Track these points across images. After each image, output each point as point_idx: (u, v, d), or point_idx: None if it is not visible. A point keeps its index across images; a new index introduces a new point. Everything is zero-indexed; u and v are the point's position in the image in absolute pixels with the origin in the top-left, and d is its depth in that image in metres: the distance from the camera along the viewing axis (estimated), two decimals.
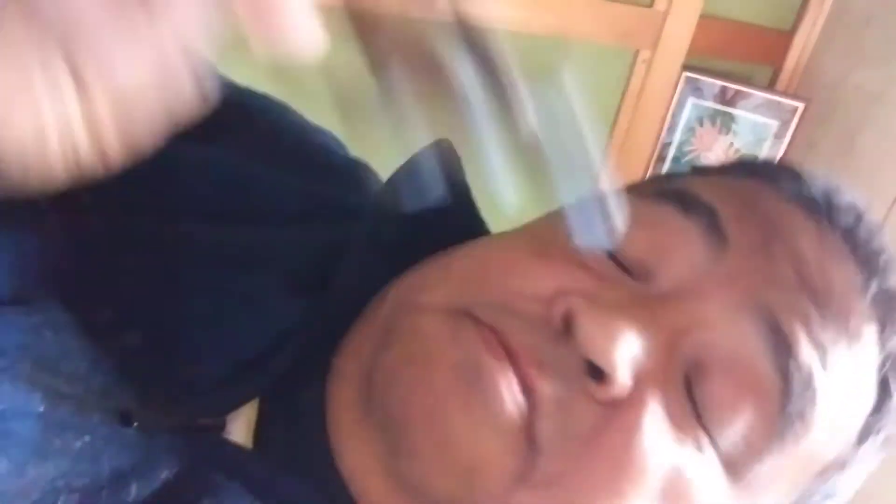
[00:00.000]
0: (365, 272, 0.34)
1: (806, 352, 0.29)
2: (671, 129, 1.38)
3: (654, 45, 1.26)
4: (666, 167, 1.42)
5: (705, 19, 1.26)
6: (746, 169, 0.36)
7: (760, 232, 0.31)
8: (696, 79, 1.32)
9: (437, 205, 0.35)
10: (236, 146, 0.38)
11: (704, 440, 0.29)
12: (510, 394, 0.27)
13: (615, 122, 1.34)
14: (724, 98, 1.34)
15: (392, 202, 0.35)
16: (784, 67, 1.36)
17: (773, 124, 1.35)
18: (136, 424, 0.27)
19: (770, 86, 1.40)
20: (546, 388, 0.28)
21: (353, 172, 0.44)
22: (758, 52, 1.36)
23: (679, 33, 1.26)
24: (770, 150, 1.37)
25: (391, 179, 0.36)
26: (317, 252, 0.35)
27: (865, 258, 0.32)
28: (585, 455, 0.27)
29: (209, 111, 0.39)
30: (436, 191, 0.35)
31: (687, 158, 1.41)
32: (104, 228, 0.30)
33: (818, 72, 1.35)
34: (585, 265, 0.31)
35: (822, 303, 0.30)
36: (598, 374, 0.28)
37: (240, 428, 0.30)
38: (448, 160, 0.35)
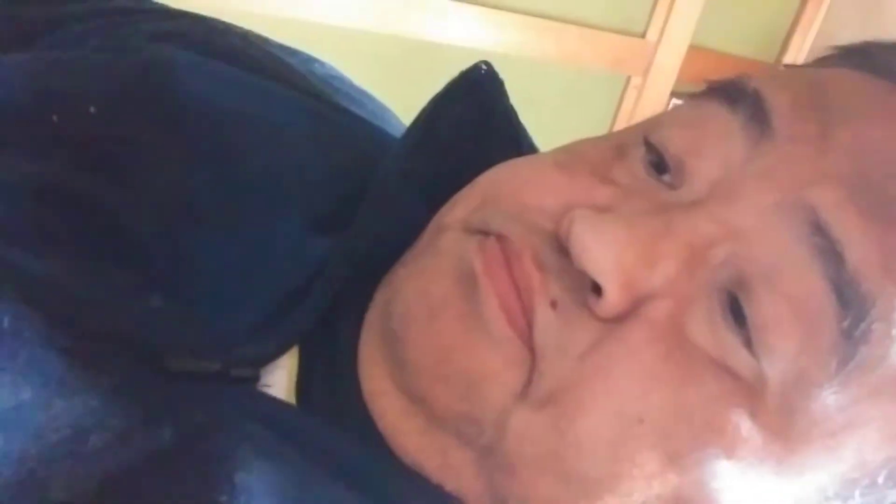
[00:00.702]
0: (397, 204, 0.32)
1: (862, 259, 0.23)
2: None
3: (646, 73, 1.32)
4: None
5: (694, 50, 1.32)
6: (854, 56, 0.30)
7: (818, 120, 0.26)
8: None
9: (480, 134, 0.34)
10: (237, 60, 0.36)
11: (742, 365, 0.24)
12: (504, 298, 0.25)
13: None
14: None
15: (426, 131, 0.33)
16: None
17: None
18: (168, 368, 0.26)
19: None
20: (545, 293, 0.25)
21: (363, 98, 0.42)
22: None
23: (669, 62, 1.32)
24: None
25: (427, 109, 0.33)
26: (338, 180, 0.33)
27: None
28: (580, 372, 0.25)
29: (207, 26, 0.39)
30: (477, 118, 0.33)
31: None
32: (118, 191, 0.29)
33: None
34: (613, 180, 0.28)
35: (883, 201, 0.24)
36: (599, 288, 0.25)
37: (281, 379, 0.29)
38: (487, 83, 0.33)
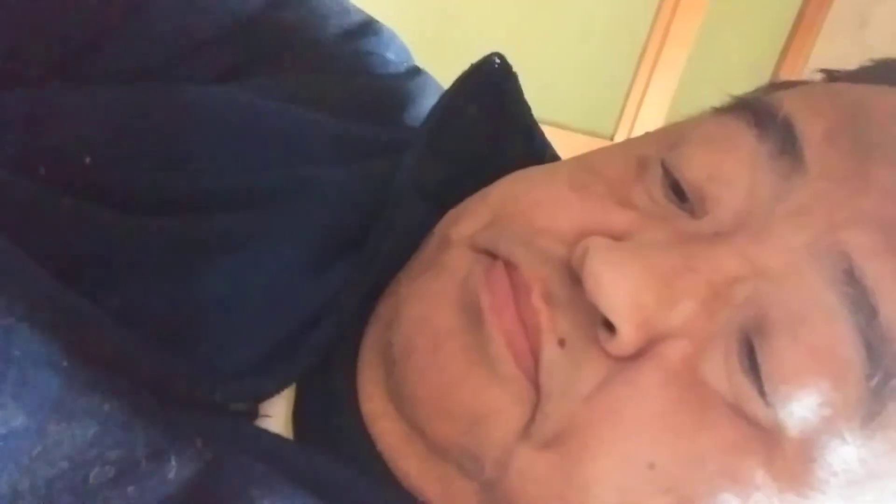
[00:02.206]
0: (408, 221, 0.29)
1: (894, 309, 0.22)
2: None
3: None
4: None
5: None
6: (882, 72, 0.28)
7: (855, 151, 0.24)
8: None
9: (495, 135, 0.32)
10: (263, 86, 0.34)
11: (758, 413, 0.23)
12: (511, 336, 0.24)
13: None
14: None
15: (437, 134, 0.31)
16: None
17: None
18: (169, 396, 0.24)
19: None
20: (554, 329, 0.24)
21: (413, 90, 0.38)
22: None
23: None
24: None
25: (438, 108, 0.31)
26: (353, 198, 0.31)
27: None
28: (588, 414, 0.23)
29: (238, 41, 0.35)
30: (492, 118, 0.31)
31: None
32: (112, 214, 0.27)
33: None
34: (630, 202, 0.26)
35: None
36: (611, 324, 0.23)
37: (280, 409, 0.28)
38: (500, 79, 0.31)
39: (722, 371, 0.23)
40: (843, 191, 0.23)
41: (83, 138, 0.29)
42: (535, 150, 0.33)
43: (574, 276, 0.24)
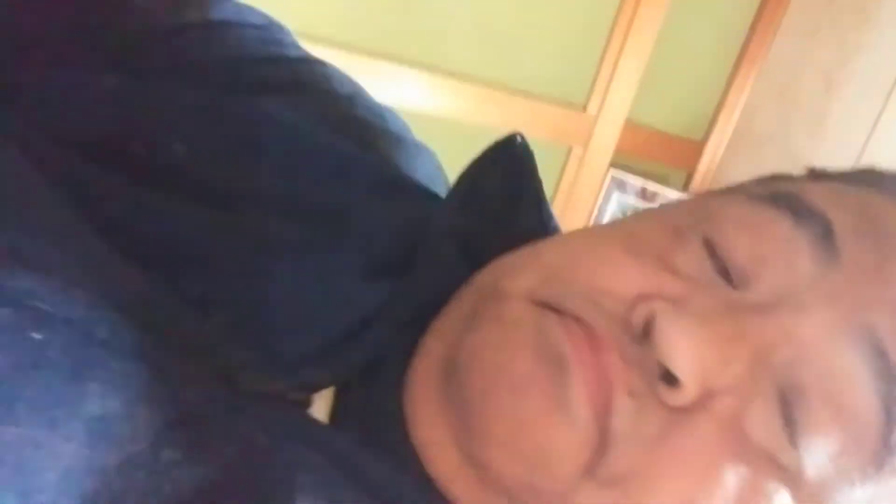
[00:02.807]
0: (445, 259, 0.34)
1: None
2: (598, 220, 1.50)
3: (586, 144, 1.40)
4: None
5: (630, 125, 1.41)
6: (868, 178, 0.34)
7: (877, 250, 0.29)
8: (621, 177, 1.47)
9: (510, 198, 0.36)
10: (307, 110, 0.38)
11: (787, 459, 0.27)
12: (590, 385, 0.27)
13: None
14: (644, 195, 1.48)
15: (468, 192, 0.35)
16: (697, 171, 1.53)
17: None
18: (239, 385, 0.27)
19: (684, 187, 1.55)
20: (625, 382, 0.27)
21: (418, 154, 0.44)
22: (674, 157, 1.52)
23: (607, 135, 1.40)
24: None
25: (470, 171, 0.36)
26: (395, 230, 0.35)
27: None
28: (650, 458, 0.27)
29: (284, 71, 0.42)
30: (510, 183, 0.36)
31: None
32: (187, 215, 0.31)
33: (726, 178, 1.51)
34: (678, 270, 0.29)
35: None
36: (671, 379, 0.27)
37: (319, 405, 0.30)
38: (522, 155, 0.36)
39: (760, 424, 0.27)
40: (870, 279, 0.28)
41: (175, 127, 0.33)
42: (543, 221, 0.38)
43: (634, 334, 0.28)
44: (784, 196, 0.30)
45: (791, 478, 0.27)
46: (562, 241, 0.33)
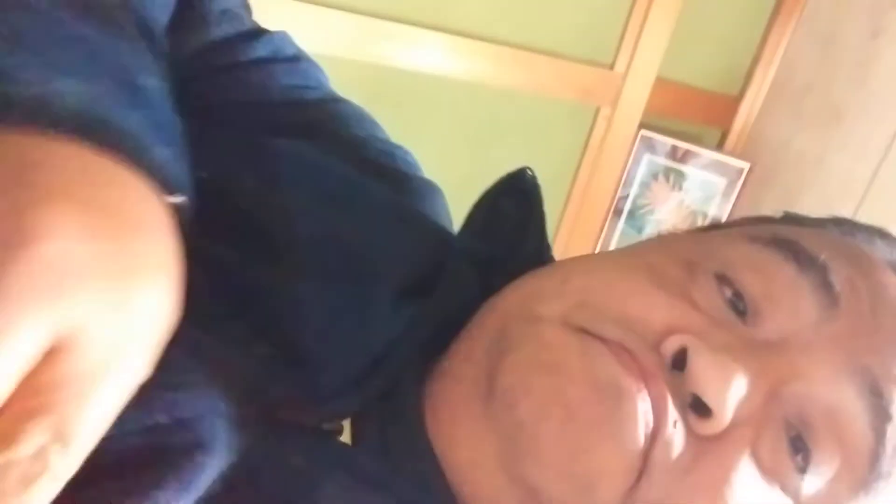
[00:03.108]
0: (467, 281, 0.36)
1: None
2: (627, 184, 1.44)
3: (614, 104, 1.33)
4: (622, 220, 1.48)
5: (661, 82, 1.34)
6: (845, 227, 0.38)
7: (869, 298, 0.32)
8: (652, 136, 1.40)
9: (521, 226, 0.39)
10: (326, 150, 0.40)
11: (790, 484, 0.31)
12: (645, 416, 0.29)
13: (576, 174, 1.40)
14: (676, 156, 1.42)
15: (486, 218, 0.38)
16: (731, 130, 1.45)
17: (721, 183, 1.43)
18: (279, 420, 0.29)
19: (718, 146, 1.48)
20: (673, 412, 0.29)
21: (427, 191, 0.46)
22: (708, 115, 1.45)
23: (636, 94, 1.33)
24: (718, 208, 1.44)
25: (485, 197, 0.39)
26: (416, 258, 0.37)
27: None
28: (682, 484, 0.29)
29: (302, 115, 0.43)
30: (521, 212, 0.39)
31: (641, 212, 1.48)
32: (229, 252, 0.32)
33: (763, 135, 1.44)
34: (697, 304, 0.32)
35: None
36: (702, 409, 0.29)
37: (341, 428, 0.32)
38: (531, 187, 0.39)
39: (769, 452, 0.30)
40: (866, 325, 0.32)
41: (205, 159, 0.34)
42: (543, 251, 0.40)
43: (664, 363, 0.30)
44: (785, 242, 0.33)
45: (793, 500, 0.31)
46: (587, 268, 0.35)
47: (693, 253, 0.34)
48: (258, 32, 0.44)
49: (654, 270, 0.33)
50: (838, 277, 0.32)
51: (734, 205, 1.43)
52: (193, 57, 0.40)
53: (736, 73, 1.44)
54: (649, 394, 0.29)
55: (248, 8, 0.45)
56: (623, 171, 1.43)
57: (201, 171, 0.32)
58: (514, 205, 0.39)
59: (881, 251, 0.36)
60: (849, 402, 0.30)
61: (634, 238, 1.49)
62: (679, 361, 0.30)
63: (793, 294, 0.32)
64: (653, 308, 0.31)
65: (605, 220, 1.47)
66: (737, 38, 1.40)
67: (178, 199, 0.25)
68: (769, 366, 0.30)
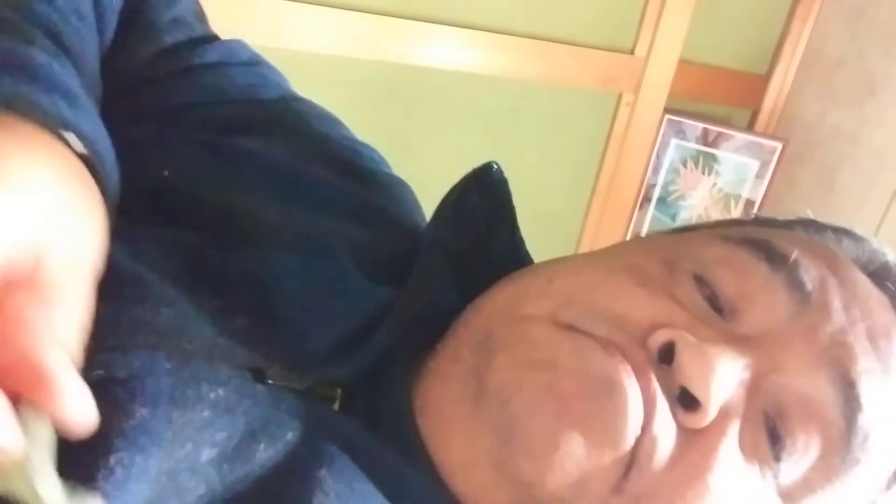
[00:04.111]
0: (439, 267, 0.37)
1: (871, 408, 0.32)
2: (656, 170, 1.41)
3: (637, 89, 1.31)
4: (651, 207, 1.45)
5: (684, 64, 1.31)
6: (812, 228, 0.40)
7: (840, 293, 0.34)
8: (679, 121, 1.37)
9: (489, 220, 0.39)
10: (282, 146, 0.41)
11: (769, 472, 0.32)
12: (636, 410, 0.29)
13: (602, 163, 1.38)
14: (707, 140, 1.38)
15: (454, 210, 0.39)
16: (762, 109, 1.41)
17: (754, 164, 1.39)
18: (269, 381, 0.29)
19: (749, 127, 1.44)
20: (662, 406, 0.30)
21: (393, 187, 0.47)
22: (735, 95, 1.41)
23: (659, 77, 1.30)
24: (752, 189, 1.40)
25: (453, 193, 0.39)
26: (372, 251, 0.37)
27: None
28: (669, 474, 0.30)
29: (259, 113, 0.43)
30: (488, 206, 0.39)
31: (672, 198, 1.44)
32: (194, 236, 0.33)
33: (795, 113, 1.39)
34: (679, 301, 0.33)
35: (886, 369, 0.33)
36: (690, 402, 0.30)
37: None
38: (498, 181, 0.39)
39: (749, 442, 0.32)
40: (838, 320, 0.33)
41: (165, 158, 0.36)
42: (515, 245, 0.41)
43: (651, 358, 0.31)
44: (757, 242, 0.35)
45: (771, 487, 0.32)
46: (572, 269, 0.36)
47: (670, 253, 0.36)
48: (211, 38, 0.45)
49: (636, 270, 0.34)
50: (809, 275, 0.34)
51: (768, 186, 1.39)
52: (148, 64, 0.42)
53: (763, 51, 1.39)
54: (640, 387, 0.30)
55: (200, 17, 0.46)
56: (650, 158, 1.40)
57: (163, 169, 0.34)
58: (482, 199, 0.39)
59: (848, 249, 0.38)
60: (822, 391, 0.32)
61: (667, 225, 1.46)
62: (666, 355, 0.31)
63: (767, 292, 0.33)
64: (638, 305, 0.32)
65: (634, 208, 1.44)
66: (762, 13, 1.36)
67: (77, 143, 0.26)
68: (750, 358, 0.32)
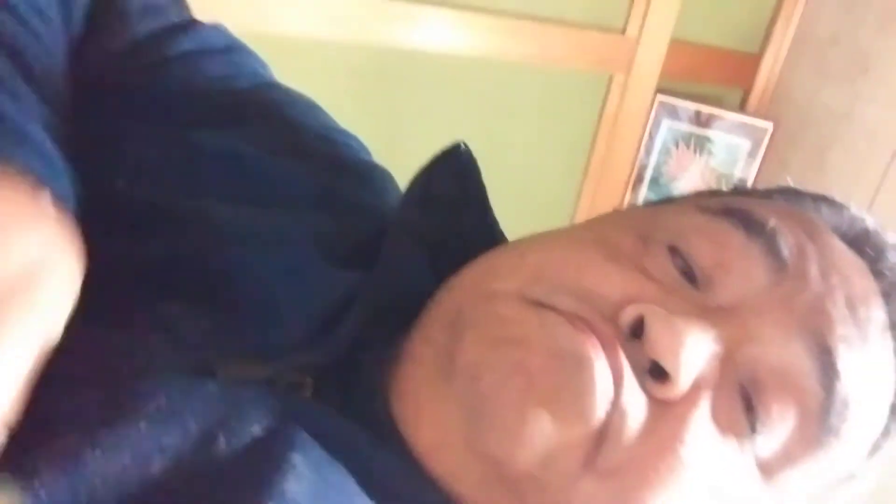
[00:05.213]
0: (407, 249, 0.36)
1: (849, 377, 0.32)
2: (648, 151, 1.41)
3: (628, 70, 1.29)
4: (644, 188, 1.45)
5: (675, 44, 1.30)
6: (791, 196, 0.39)
7: (818, 262, 0.33)
8: (671, 102, 1.36)
9: (458, 200, 0.39)
10: (252, 136, 0.40)
11: (746, 443, 0.32)
12: (604, 384, 0.29)
13: (594, 144, 1.37)
14: (699, 120, 1.37)
15: (422, 191, 0.38)
16: (753, 89, 1.40)
17: (746, 144, 1.38)
18: (219, 377, 0.29)
19: (740, 107, 1.43)
20: (630, 380, 0.29)
21: (370, 174, 0.46)
22: (727, 74, 1.40)
23: (651, 58, 1.29)
24: (744, 169, 1.40)
25: (421, 174, 0.39)
26: (339, 238, 0.37)
27: (889, 294, 0.36)
28: (640, 448, 0.29)
29: (230, 103, 0.42)
30: (457, 187, 0.39)
31: (664, 179, 1.44)
32: (157, 243, 0.33)
33: (787, 92, 1.39)
34: (651, 274, 0.33)
35: (864, 336, 0.33)
36: (660, 374, 0.30)
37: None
38: (467, 161, 0.39)
39: (724, 413, 0.31)
40: (815, 288, 0.33)
41: (120, 162, 0.36)
42: (488, 224, 0.40)
43: (621, 332, 0.30)
44: (736, 211, 0.34)
45: (750, 459, 0.32)
46: (542, 245, 0.36)
47: (645, 225, 0.35)
48: (185, 25, 0.44)
49: (608, 244, 0.34)
50: (787, 242, 0.33)
51: (760, 166, 1.39)
52: (118, 57, 0.41)
53: (755, 29, 1.38)
54: (608, 361, 0.29)
55: (177, 1, 0.45)
56: (642, 139, 1.39)
57: (117, 178, 0.34)
58: (450, 180, 0.38)
59: (827, 217, 0.37)
60: (799, 360, 0.31)
61: None
62: (636, 329, 0.30)
63: (743, 260, 0.33)
64: (608, 280, 0.32)
65: (627, 189, 1.44)
66: None
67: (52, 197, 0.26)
68: (724, 330, 0.31)
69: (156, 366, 0.28)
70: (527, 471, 0.29)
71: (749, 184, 1.39)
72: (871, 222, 0.38)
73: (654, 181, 1.44)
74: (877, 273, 0.36)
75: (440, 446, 0.31)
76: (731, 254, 0.33)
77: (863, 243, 0.37)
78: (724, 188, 0.43)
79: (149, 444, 0.25)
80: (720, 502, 0.32)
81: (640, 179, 1.44)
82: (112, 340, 0.28)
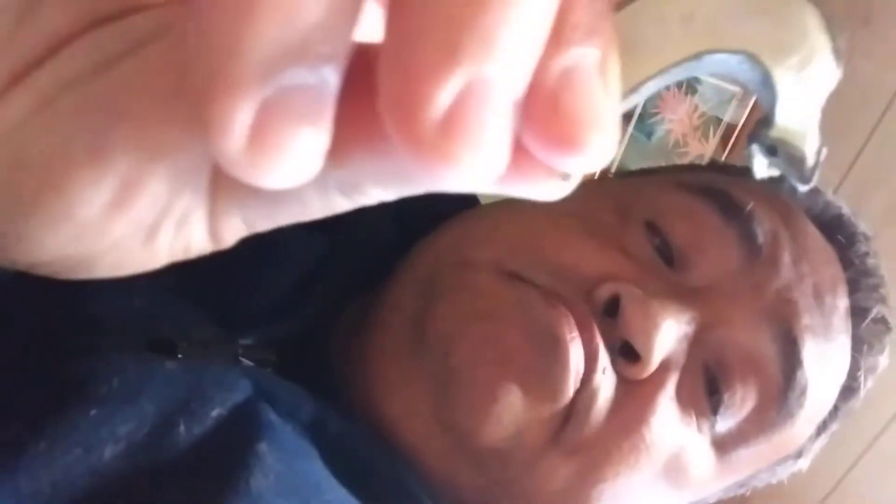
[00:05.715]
0: (372, 209, 0.35)
1: (810, 365, 0.33)
2: None
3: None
4: (631, 126, 1.42)
5: None
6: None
7: (791, 249, 0.34)
8: None
9: None
10: None
11: (705, 423, 0.32)
12: (577, 365, 0.29)
13: None
14: None
15: None
16: None
17: (736, 89, 1.34)
18: (180, 356, 0.26)
19: None
20: (603, 360, 0.29)
21: None
22: None
23: None
24: (733, 114, 1.37)
25: None
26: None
27: (856, 281, 0.36)
28: (606, 427, 0.30)
29: None
30: None
31: (652, 120, 1.41)
32: None
33: None
34: (628, 252, 0.33)
35: (828, 325, 0.34)
36: (631, 354, 0.30)
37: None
38: None
39: (687, 394, 0.32)
40: (786, 276, 0.33)
41: None
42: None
43: (596, 310, 0.30)
44: (714, 191, 0.34)
45: (706, 437, 0.32)
46: (519, 214, 0.34)
47: (625, 199, 0.35)
48: None
49: (586, 217, 0.34)
50: (762, 227, 0.33)
51: (750, 112, 1.35)
52: None
53: None
54: (582, 341, 0.29)
55: None
56: None
57: None
58: None
59: (802, 199, 0.37)
60: (764, 347, 0.32)
61: (644, 144, 1.44)
62: (611, 308, 0.30)
63: (718, 243, 0.33)
64: (586, 257, 0.32)
65: None
66: None
67: None
68: (696, 312, 0.31)
69: (108, 342, 0.25)
70: (493, 445, 0.29)
71: (738, 128, 1.37)
72: (845, 209, 0.39)
73: (641, 120, 1.42)
74: (845, 261, 0.36)
75: (408, 416, 0.30)
76: (707, 235, 0.33)
77: (835, 230, 0.37)
78: (702, 163, 0.43)
79: (101, 433, 0.22)
80: (675, 479, 0.32)
81: (627, 117, 1.41)
82: (56, 310, 0.26)
